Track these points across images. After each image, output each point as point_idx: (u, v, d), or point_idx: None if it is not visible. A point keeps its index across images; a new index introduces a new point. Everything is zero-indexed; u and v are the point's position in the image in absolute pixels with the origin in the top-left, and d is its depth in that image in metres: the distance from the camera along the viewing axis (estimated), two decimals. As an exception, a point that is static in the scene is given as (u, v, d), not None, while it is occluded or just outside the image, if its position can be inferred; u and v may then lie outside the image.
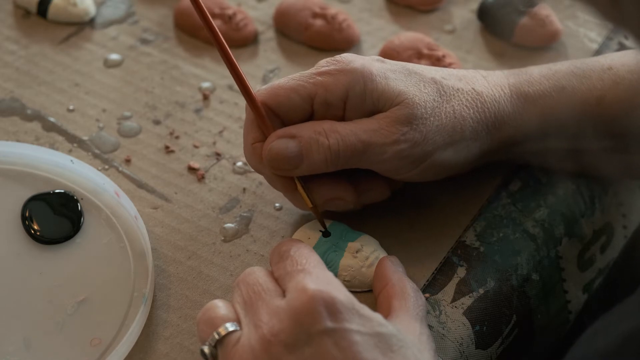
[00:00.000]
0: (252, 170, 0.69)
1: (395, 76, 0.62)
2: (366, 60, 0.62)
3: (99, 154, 0.71)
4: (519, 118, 0.65)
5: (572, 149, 0.66)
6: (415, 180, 0.64)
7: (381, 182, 0.64)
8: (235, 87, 0.76)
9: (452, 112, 0.62)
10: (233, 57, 0.61)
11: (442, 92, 0.63)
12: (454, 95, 0.63)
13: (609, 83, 0.65)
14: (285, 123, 0.63)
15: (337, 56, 0.63)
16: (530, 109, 0.65)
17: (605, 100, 0.64)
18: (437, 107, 0.62)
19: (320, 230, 0.64)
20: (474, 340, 0.62)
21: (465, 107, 0.63)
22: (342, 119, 0.62)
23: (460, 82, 0.64)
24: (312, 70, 0.63)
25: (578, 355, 0.49)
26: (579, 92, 0.65)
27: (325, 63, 0.63)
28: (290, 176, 0.62)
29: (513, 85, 0.65)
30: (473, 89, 0.64)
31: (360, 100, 0.61)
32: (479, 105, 0.63)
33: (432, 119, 0.61)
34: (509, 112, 0.64)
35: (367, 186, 0.64)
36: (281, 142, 0.61)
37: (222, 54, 0.61)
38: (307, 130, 0.61)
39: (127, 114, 0.74)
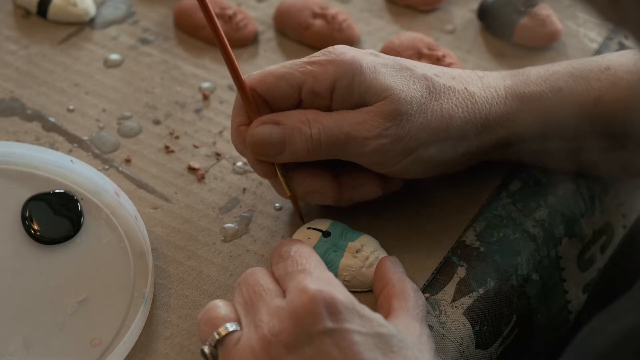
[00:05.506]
0: (252, 170, 0.69)
1: (386, 70, 0.62)
2: (358, 53, 0.63)
3: (99, 154, 0.71)
4: (514, 120, 0.64)
5: (570, 149, 0.66)
6: (401, 176, 0.64)
7: (372, 179, 0.64)
8: (236, 87, 0.76)
9: (439, 110, 0.62)
10: (224, 37, 0.61)
11: (432, 90, 0.63)
12: (444, 93, 0.63)
13: (607, 83, 0.65)
14: (273, 109, 0.63)
15: (331, 47, 0.63)
16: (527, 110, 0.65)
17: (603, 101, 0.64)
18: (424, 103, 0.62)
19: (321, 230, 0.64)
20: (474, 340, 0.62)
21: (454, 106, 0.63)
22: (329, 109, 0.63)
23: (453, 80, 0.64)
24: (304, 59, 0.63)
25: (574, 355, 0.49)
26: (576, 93, 0.65)
27: (319, 53, 0.63)
28: (272, 163, 0.63)
29: (509, 86, 0.65)
30: (465, 88, 0.64)
31: (347, 92, 0.62)
32: (470, 105, 0.63)
33: (417, 115, 0.61)
34: (501, 113, 0.64)
35: (357, 182, 0.64)
36: (265, 127, 0.61)
37: (214, 32, 0.61)
38: (292, 119, 0.62)
39: (127, 114, 0.74)
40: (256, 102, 0.62)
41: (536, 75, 0.66)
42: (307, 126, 0.61)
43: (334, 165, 0.64)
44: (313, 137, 0.61)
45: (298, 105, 0.63)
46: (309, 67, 0.62)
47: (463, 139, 0.63)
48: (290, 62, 0.63)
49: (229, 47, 0.62)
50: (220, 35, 0.61)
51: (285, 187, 0.63)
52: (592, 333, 0.48)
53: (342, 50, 0.63)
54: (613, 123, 0.64)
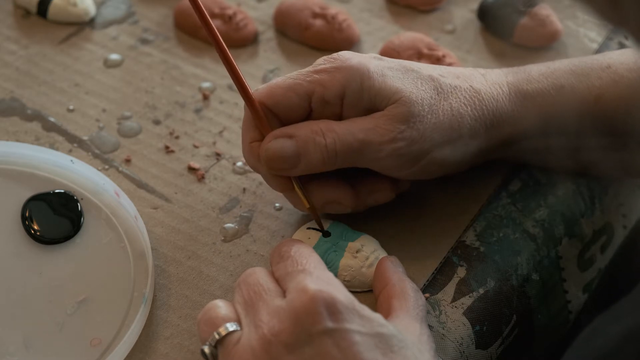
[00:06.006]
0: (252, 170, 0.69)
1: (393, 74, 0.62)
2: (363, 58, 0.62)
3: (99, 154, 0.71)
4: (518, 116, 0.65)
5: (571, 147, 0.66)
6: (414, 179, 0.64)
7: (385, 184, 0.64)
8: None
9: (449, 109, 0.62)
10: (231, 56, 0.61)
11: (440, 90, 0.63)
12: (451, 92, 0.63)
13: (608, 81, 0.65)
14: (283, 122, 0.63)
15: (335, 54, 0.63)
16: (529, 107, 0.65)
17: (604, 99, 0.64)
18: (434, 104, 0.62)
19: (321, 230, 0.64)
20: (474, 340, 0.62)
21: (463, 105, 0.63)
22: (340, 116, 0.62)
23: (458, 79, 0.64)
24: (309, 68, 0.63)
25: (575, 356, 0.49)
26: (577, 91, 0.65)
27: (323, 61, 0.63)
28: (288, 176, 0.63)
29: (512, 83, 0.65)
30: (471, 86, 0.64)
31: (357, 98, 0.61)
32: (477, 102, 0.63)
33: (429, 116, 0.61)
34: (507, 110, 0.64)
35: (371, 188, 0.64)
36: (278, 142, 0.61)
37: (220, 53, 0.61)
38: (304, 130, 0.61)
39: (127, 114, 0.74)
40: (266, 116, 0.62)
41: (537, 72, 0.66)
42: (321, 136, 0.61)
43: (346, 173, 0.64)
44: (328, 146, 0.61)
45: (308, 115, 0.62)
46: (316, 75, 0.62)
47: (474, 137, 0.63)
48: (296, 72, 0.62)
49: (239, 71, 0.61)
50: (230, 61, 0.61)
51: (303, 199, 0.63)
52: (593, 334, 0.49)
53: (347, 56, 0.62)
54: (614, 121, 0.65)
